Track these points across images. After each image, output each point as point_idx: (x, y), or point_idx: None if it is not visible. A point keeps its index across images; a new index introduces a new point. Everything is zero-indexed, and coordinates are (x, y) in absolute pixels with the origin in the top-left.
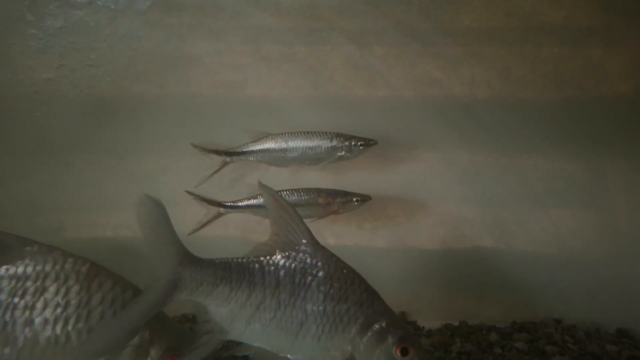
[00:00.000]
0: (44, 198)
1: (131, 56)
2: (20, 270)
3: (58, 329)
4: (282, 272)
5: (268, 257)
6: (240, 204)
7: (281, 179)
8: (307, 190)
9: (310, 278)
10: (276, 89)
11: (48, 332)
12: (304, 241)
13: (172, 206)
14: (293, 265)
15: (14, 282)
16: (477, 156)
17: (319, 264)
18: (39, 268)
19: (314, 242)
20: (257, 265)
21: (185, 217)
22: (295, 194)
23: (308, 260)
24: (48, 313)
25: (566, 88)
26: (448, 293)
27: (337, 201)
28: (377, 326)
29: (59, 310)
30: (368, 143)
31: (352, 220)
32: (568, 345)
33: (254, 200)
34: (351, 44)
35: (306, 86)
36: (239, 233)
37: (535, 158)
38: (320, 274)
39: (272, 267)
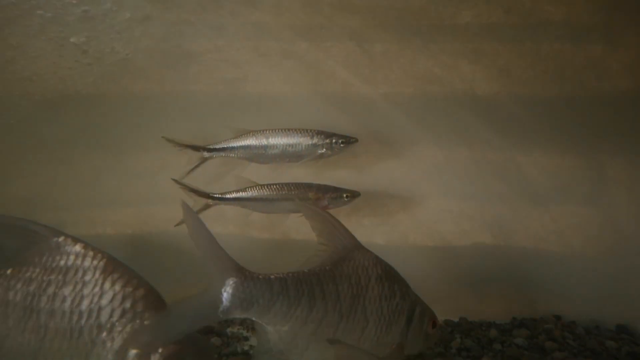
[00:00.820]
0: (43, 195)
1: (130, 52)
2: (48, 261)
3: (73, 323)
4: (340, 283)
5: (323, 268)
6: (228, 196)
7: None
8: (298, 185)
9: (365, 282)
10: (276, 85)
11: (64, 324)
12: (349, 246)
13: (171, 203)
14: (348, 272)
15: (43, 272)
16: (477, 153)
17: (369, 265)
18: (62, 261)
19: (358, 245)
20: (314, 279)
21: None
22: (286, 187)
23: (359, 265)
24: (66, 306)
25: (566, 84)
26: (448, 289)
27: (327, 196)
28: (417, 312)
29: (75, 304)
30: (349, 141)
31: (351, 216)
32: (568, 341)
33: (243, 193)
34: (351, 41)
35: (306, 83)
36: (238, 230)
37: (535, 154)
38: (373, 276)
39: (329, 278)
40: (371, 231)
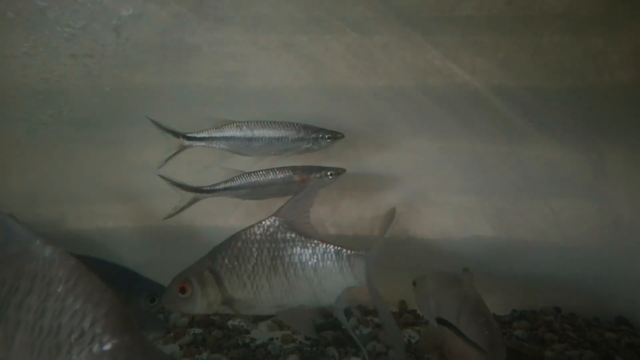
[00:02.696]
0: (45, 189)
1: (130, 46)
2: (20, 263)
3: (34, 338)
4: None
5: None
6: (218, 187)
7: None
8: (282, 169)
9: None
10: (276, 78)
11: (28, 338)
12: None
13: (173, 197)
14: None
15: (14, 275)
16: (478, 146)
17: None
18: (31, 266)
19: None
20: None
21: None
22: (271, 173)
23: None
24: (30, 318)
25: (567, 77)
26: None
27: (313, 177)
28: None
29: (37, 316)
30: (335, 136)
31: (352, 209)
32: (567, 333)
33: (231, 183)
34: (352, 33)
35: (306, 75)
36: (239, 223)
37: (536, 147)
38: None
39: None
40: (372, 224)
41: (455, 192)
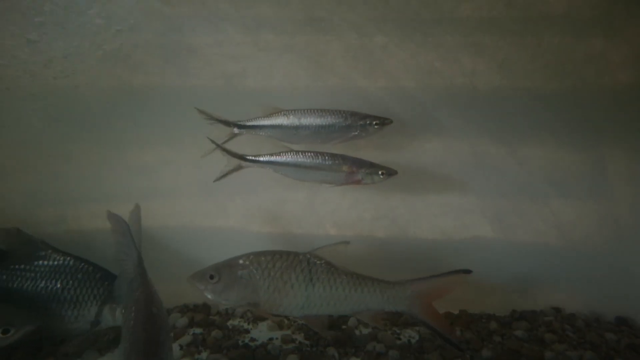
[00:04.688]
0: (45, 190)
1: (130, 47)
2: None
3: None
4: None
5: None
6: (262, 159)
7: None
8: (333, 156)
9: None
10: (276, 79)
11: None
12: None
13: (173, 198)
14: None
15: None
16: (478, 147)
17: None
18: None
19: None
20: None
21: (186, 208)
22: (320, 157)
23: None
24: None
25: (567, 78)
26: None
27: (362, 171)
28: None
29: None
30: (383, 122)
31: (352, 210)
32: (567, 333)
33: (277, 157)
34: (352, 34)
35: (306, 76)
36: (239, 224)
37: (536, 148)
38: None
39: None
40: (372, 225)
41: (455, 193)
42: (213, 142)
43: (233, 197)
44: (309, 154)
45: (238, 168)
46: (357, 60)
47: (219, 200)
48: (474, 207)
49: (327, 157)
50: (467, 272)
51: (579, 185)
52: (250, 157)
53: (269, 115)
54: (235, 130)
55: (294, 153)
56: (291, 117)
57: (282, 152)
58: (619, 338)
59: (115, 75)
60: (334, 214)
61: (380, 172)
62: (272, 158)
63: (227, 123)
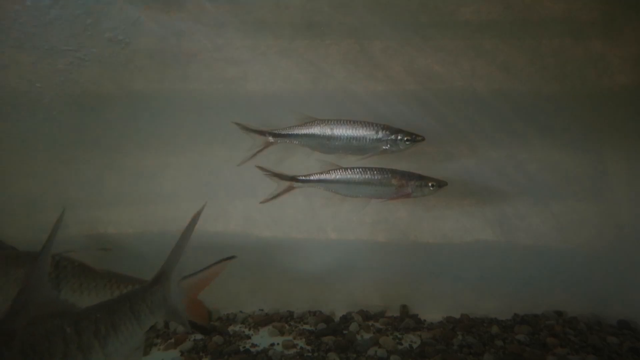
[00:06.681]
0: (45, 195)
1: (130, 52)
2: None
3: None
4: None
5: None
6: (312, 177)
7: None
8: (381, 170)
9: None
10: (276, 83)
11: None
12: None
13: (173, 202)
14: None
15: None
16: (478, 149)
17: None
18: None
19: None
20: None
21: (186, 213)
22: (369, 172)
23: None
24: None
25: (567, 80)
26: (449, 286)
27: (412, 184)
28: None
29: None
30: (415, 139)
31: (353, 214)
32: (569, 337)
33: (326, 175)
34: (351, 38)
35: (306, 81)
36: (240, 229)
37: (536, 151)
38: None
39: None
40: (373, 229)
41: (455, 196)
42: (262, 169)
43: (233, 200)
44: (357, 169)
45: (290, 189)
46: (357, 64)
47: (220, 204)
48: (475, 210)
49: (375, 172)
50: (231, 258)
51: (580, 188)
52: (302, 177)
53: (302, 124)
54: (270, 139)
55: (343, 170)
56: (325, 127)
57: (331, 170)
58: (621, 341)
59: (115, 80)
60: (335, 218)
61: (430, 184)
62: (323, 177)
63: (261, 132)
